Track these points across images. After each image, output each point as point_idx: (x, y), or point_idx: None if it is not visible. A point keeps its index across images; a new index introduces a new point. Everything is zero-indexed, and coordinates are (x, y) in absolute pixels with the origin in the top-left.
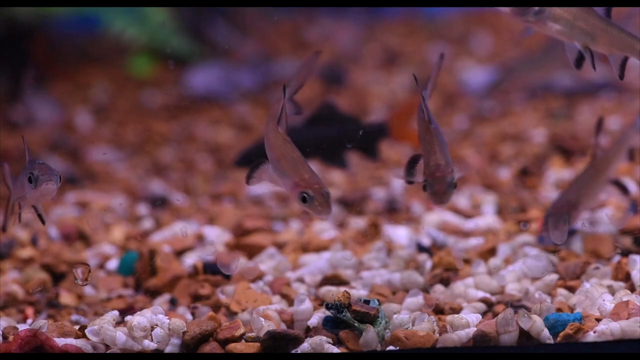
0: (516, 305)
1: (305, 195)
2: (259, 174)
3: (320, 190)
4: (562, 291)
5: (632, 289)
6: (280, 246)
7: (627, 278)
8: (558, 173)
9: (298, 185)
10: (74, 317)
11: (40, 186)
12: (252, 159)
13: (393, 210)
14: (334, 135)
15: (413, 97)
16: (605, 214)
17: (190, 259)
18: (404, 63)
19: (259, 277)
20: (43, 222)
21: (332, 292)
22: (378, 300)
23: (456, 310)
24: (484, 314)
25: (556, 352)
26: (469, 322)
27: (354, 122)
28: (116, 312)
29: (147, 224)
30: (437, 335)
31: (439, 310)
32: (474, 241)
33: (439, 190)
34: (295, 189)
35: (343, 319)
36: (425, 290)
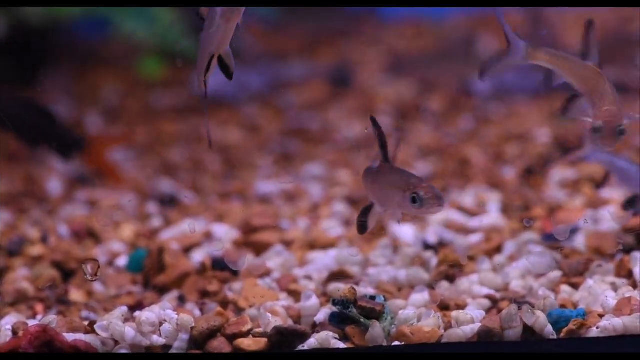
0: (520, 301)
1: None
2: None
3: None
4: (565, 288)
5: (634, 285)
6: (287, 243)
7: (629, 275)
8: (562, 172)
9: None
10: (84, 313)
11: (427, 209)
12: None
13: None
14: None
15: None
16: (608, 212)
17: (199, 256)
18: (411, 65)
19: (267, 273)
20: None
21: (339, 289)
22: (384, 297)
23: (461, 306)
24: (488, 310)
25: (559, 347)
26: (473, 318)
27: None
28: (125, 308)
29: (156, 222)
30: (443, 331)
31: (444, 307)
32: (474, 238)
33: (609, 134)
34: None
35: (349, 314)
36: (431, 286)
